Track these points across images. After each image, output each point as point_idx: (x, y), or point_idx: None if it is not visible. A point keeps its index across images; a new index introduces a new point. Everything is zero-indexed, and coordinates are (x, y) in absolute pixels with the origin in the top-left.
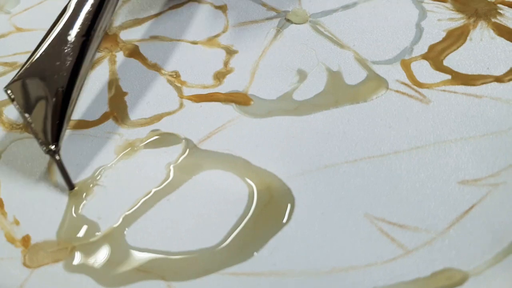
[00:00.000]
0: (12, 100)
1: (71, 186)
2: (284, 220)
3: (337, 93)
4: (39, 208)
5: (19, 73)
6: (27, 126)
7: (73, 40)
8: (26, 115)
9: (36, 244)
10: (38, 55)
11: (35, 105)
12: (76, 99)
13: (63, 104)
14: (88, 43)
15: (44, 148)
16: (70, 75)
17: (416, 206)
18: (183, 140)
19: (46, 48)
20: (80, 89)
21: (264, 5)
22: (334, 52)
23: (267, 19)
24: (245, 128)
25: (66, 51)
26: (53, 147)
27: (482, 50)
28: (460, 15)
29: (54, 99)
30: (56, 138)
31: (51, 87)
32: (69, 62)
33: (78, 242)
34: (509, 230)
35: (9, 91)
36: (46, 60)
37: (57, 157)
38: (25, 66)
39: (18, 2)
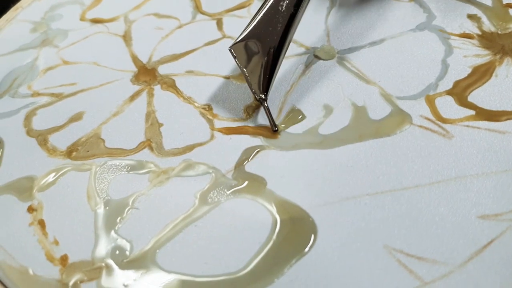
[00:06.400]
0: (234, 57)
1: (275, 127)
2: (306, 249)
3: (361, 127)
4: (77, 230)
5: (240, 37)
6: (244, 78)
7: (283, 10)
8: (244, 70)
9: (73, 263)
10: (255, 22)
11: (251, 62)
12: (282, 59)
13: (273, 62)
14: (297, 13)
15: (256, 96)
16: (280, 39)
17: (435, 239)
18: (212, 170)
19: (262, 16)
20: (286, 51)
21: (294, 41)
22: (360, 87)
23: (296, 55)
24: (271, 160)
25: (277, 18)
26: (263, 95)
27: (507, 86)
28: (486, 52)
29: (266, 58)
30: (266, 89)
31: (264, 47)
32: (279, 28)
33: (111, 262)
34: None
35: (232, 50)
36: (262, 25)
37: (265, 104)
38: (245, 32)
39: (66, 36)
